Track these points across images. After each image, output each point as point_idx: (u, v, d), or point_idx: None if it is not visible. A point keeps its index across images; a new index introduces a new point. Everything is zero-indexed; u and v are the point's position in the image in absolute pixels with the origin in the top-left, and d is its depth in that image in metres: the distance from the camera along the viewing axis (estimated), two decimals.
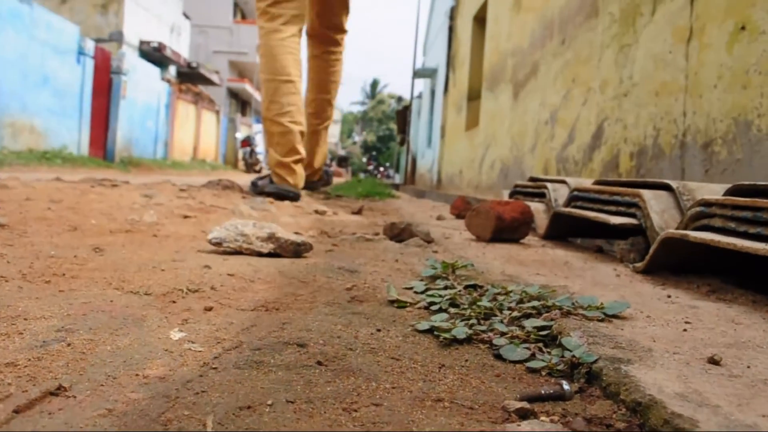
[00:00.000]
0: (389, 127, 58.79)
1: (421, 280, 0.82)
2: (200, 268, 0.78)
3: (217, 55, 21.34)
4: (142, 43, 14.64)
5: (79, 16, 13.90)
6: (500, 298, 0.70)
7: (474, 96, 7.03)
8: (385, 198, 3.48)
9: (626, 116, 2.84)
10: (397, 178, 26.26)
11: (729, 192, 0.91)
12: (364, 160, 52.31)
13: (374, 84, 65.95)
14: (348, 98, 71.36)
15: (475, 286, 0.79)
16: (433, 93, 11.21)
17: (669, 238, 0.92)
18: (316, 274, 0.80)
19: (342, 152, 60.08)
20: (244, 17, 24.55)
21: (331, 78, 3.28)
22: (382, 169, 39.71)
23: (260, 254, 0.95)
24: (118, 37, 13.84)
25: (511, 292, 0.73)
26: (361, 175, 51.31)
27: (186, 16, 18.25)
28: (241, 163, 19.17)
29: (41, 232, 1.05)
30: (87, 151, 10.03)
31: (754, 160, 1.91)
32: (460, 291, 0.71)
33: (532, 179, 1.96)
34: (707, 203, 0.89)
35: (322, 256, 0.99)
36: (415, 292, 0.75)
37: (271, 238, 0.97)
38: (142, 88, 12.13)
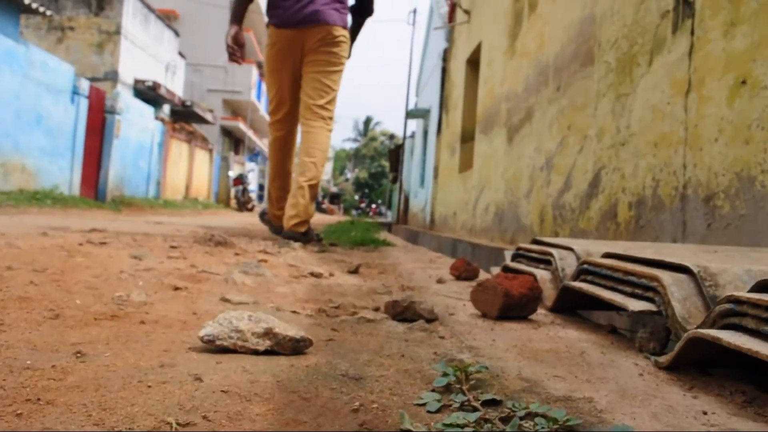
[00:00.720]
0: (381, 164, 59.13)
1: (433, 390, 0.75)
2: (191, 382, 0.71)
3: (212, 93, 21.46)
4: (137, 81, 14.72)
5: (76, 55, 14.00)
6: (526, 426, 0.64)
7: (467, 138, 7.03)
8: (380, 246, 3.41)
9: (624, 166, 2.81)
10: (390, 216, 26.27)
11: (756, 287, 0.85)
12: (357, 197, 52.38)
13: (367, 121, 66.57)
14: (340, 135, 71.84)
15: (493, 402, 0.72)
16: (426, 133, 11.24)
17: (697, 338, 0.86)
18: (318, 385, 0.73)
19: (334, 189, 60.19)
20: None
21: (314, 145, 3.79)
22: (374, 206, 39.78)
23: (256, 352, 0.88)
24: (113, 77, 13.91)
25: (536, 416, 0.66)
26: (354, 212, 51.38)
27: (181, 55, 18.40)
28: (233, 202, 19.13)
29: (20, 323, 0.98)
30: (78, 191, 9.96)
31: (758, 217, 1.87)
32: (478, 417, 0.65)
33: (535, 241, 1.89)
34: (738, 300, 0.83)
35: (322, 351, 0.92)
36: (429, 412, 0.68)
37: (267, 334, 0.90)
38: (136, 127, 12.13)
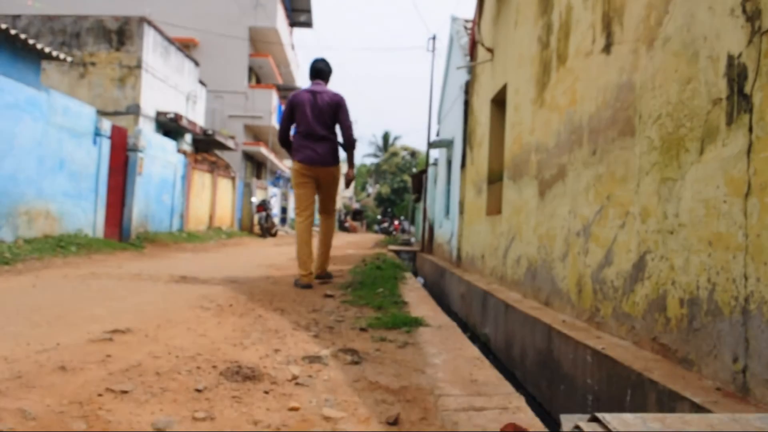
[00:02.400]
0: (403, 179, 58.97)
1: None
2: None
3: (233, 119, 21.53)
4: (158, 114, 14.80)
5: (97, 89, 14.12)
6: None
7: (494, 179, 6.86)
8: (411, 329, 3.25)
9: (673, 257, 2.62)
10: (413, 232, 26.06)
11: None
12: (379, 216, 52.18)
13: (386, 136, 66.59)
14: (360, 151, 72.07)
15: None
16: (449, 163, 11.08)
17: None
18: None
19: (356, 206, 60.11)
20: (258, 82, 24.85)
21: (329, 231, 6.02)
22: (396, 222, 39.53)
23: None
24: (135, 110, 14.00)
25: None
26: (376, 228, 51.16)
27: (202, 83, 18.49)
28: (257, 228, 19.09)
29: None
30: (103, 231, 9.94)
31: None
32: None
33: (594, 418, 1.65)
34: None
35: None
36: None
37: None
38: (159, 162, 12.14)
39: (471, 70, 8.68)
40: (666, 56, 2.74)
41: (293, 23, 28.69)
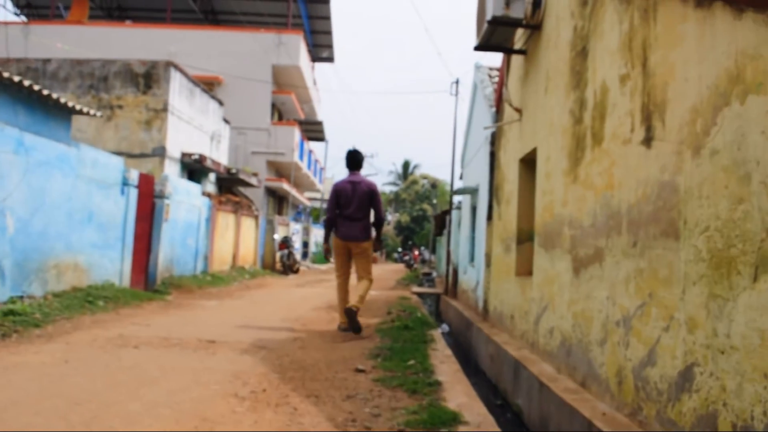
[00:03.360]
0: (422, 207, 58.91)
1: None
2: None
3: (256, 156, 21.72)
4: (183, 155, 14.97)
5: (124, 132, 14.34)
6: None
7: (523, 239, 6.80)
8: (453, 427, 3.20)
9: (725, 377, 2.55)
10: (435, 272, 25.93)
11: None
12: (399, 250, 52.02)
13: (405, 165, 66.73)
14: (380, 179, 72.15)
15: None
16: (474, 209, 11.03)
17: None
18: None
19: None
20: (281, 118, 25.11)
21: (364, 292, 6.73)
22: (416, 253, 39.37)
23: None
24: (161, 152, 14.17)
25: None
26: (395, 256, 51.01)
27: (226, 121, 18.70)
28: (279, 264, 19.14)
29: None
30: (129, 279, 10.00)
31: None
32: None
33: None
34: None
35: None
36: None
37: None
38: (184, 206, 12.23)
39: (497, 122, 8.67)
40: (714, 169, 2.69)
41: (315, 59, 29.02)
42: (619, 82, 3.90)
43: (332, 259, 7.21)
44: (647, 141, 3.44)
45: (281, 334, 6.81)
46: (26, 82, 6.67)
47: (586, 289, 4.39)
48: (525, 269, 6.67)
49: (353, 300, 6.56)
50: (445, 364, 5.29)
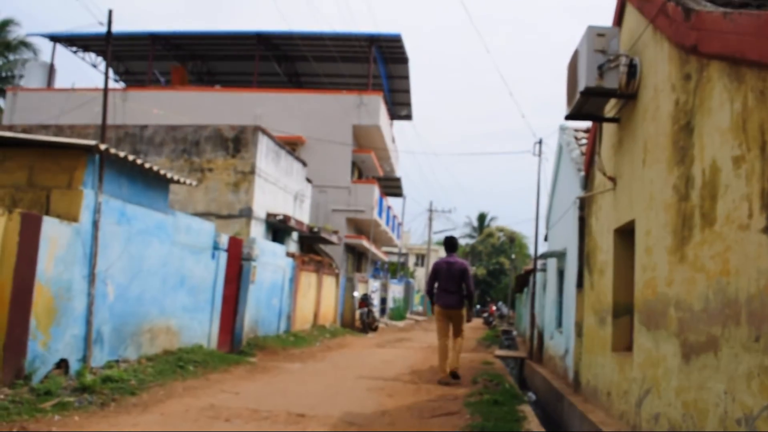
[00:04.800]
0: (499, 261, 58.06)
1: None
2: None
3: (336, 213, 22.07)
4: (268, 215, 15.37)
5: (213, 194, 14.89)
6: None
7: (620, 313, 6.51)
8: None
9: None
10: (515, 330, 25.29)
11: None
12: (478, 306, 51.25)
13: (481, 217, 66.27)
14: (455, 234, 71.82)
15: None
16: (560, 273, 10.73)
17: None
18: None
19: None
20: (360, 176, 25.54)
21: (456, 346, 8.65)
22: (493, 308, 38.62)
23: None
24: (247, 213, 14.61)
25: None
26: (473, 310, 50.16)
27: (308, 180, 19.14)
28: (358, 322, 19.17)
29: None
30: (216, 341, 10.19)
31: None
32: None
33: None
34: None
35: None
36: None
37: None
38: (269, 268, 12.48)
39: (586, 187, 8.48)
40: None
41: (394, 116, 29.54)
42: (732, 163, 3.71)
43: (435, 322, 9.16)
44: None
45: (368, 406, 6.72)
46: (130, 157, 7.03)
47: (699, 378, 4.11)
48: (622, 345, 6.37)
49: (452, 360, 8.62)
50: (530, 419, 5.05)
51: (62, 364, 6.48)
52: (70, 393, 5.93)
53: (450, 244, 8.95)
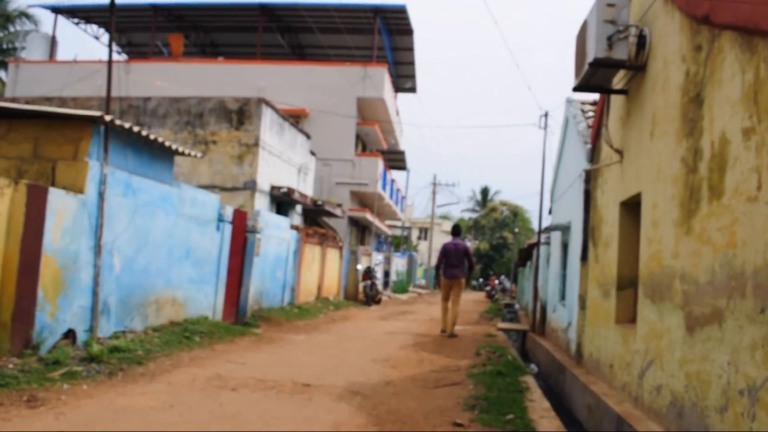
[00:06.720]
0: (503, 235, 57.97)
1: None
2: None
3: (340, 186, 22.04)
4: (272, 188, 15.35)
5: (217, 166, 14.86)
6: None
7: (624, 285, 6.54)
8: None
9: None
10: (517, 304, 25.39)
11: None
12: (481, 280, 51.31)
13: (484, 191, 65.90)
14: (458, 206, 71.76)
15: None
16: (564, 246, 10.73)
17: None
18: None
19: None
20: (364, 148, 25.45)
21: (454, 310, 11.00)
22: (496, 281, 38.69)
23: None
24: (251, 186, 14.58)
25: None
26: (474, 283, 50.29)
27: (312, 153, 19.08)
28: (361, 295, 19.24)
29: None
30: (221, 313, 10.25)
31: None
32: None
33: None
34: None
35: None
36: None
37: None
38: (274, 240, 12.50)
39: (592, 160, 8.44)
40: None
41: (398, 89, 29.34)
42: (742, 135, 3.69)
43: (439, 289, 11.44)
44: None
45: (373, 376, 6.78)
46: (135, 128, 7.00)
47: (702, 350, 4.14)
48: (626, 317, 6.40)
49: (448, 325, 11.05)
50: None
51: (70, 335, 6.54)
52: (78, 363, 5.99)
53: (456, 230, 11.49)
